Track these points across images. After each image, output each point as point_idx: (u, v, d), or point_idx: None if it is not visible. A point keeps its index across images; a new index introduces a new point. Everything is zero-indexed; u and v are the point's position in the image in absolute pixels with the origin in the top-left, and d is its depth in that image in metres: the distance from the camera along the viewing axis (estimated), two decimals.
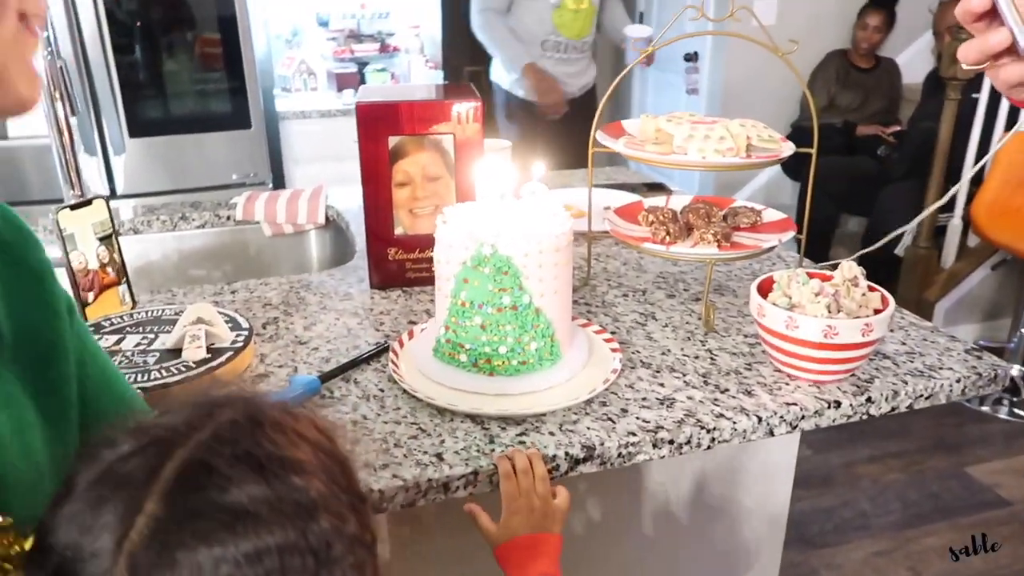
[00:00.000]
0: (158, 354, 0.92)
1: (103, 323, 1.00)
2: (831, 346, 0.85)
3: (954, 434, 2.55)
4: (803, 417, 0.87)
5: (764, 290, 0.93)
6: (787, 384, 0.91)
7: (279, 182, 2.84)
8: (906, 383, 0.91)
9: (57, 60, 1.14)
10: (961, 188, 2.73)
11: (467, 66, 3.78)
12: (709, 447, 0.84)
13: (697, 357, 0.97)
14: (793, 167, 3.30)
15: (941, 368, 0.94)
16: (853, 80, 3.32)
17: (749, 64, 3.36)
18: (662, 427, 0.83)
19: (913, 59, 3.51)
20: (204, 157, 2.51)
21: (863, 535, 2.12)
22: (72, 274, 1.01)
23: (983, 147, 2.69)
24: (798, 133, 3.33)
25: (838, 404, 0.88)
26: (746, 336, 1.02)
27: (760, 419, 0.85)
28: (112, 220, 1.07)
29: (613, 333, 1.01)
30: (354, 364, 0.94)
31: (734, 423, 0.84)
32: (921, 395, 0.90)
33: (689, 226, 1.08)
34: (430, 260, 1.16)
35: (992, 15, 0.57)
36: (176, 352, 0.92)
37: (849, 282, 0.89)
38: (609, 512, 1.17)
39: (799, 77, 1.07)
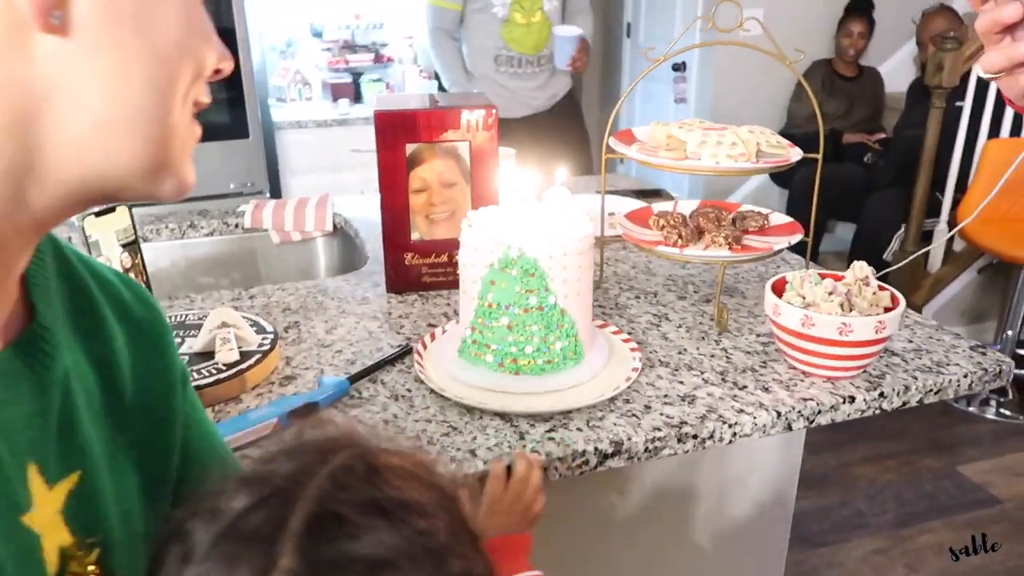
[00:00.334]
0: (187, 357, 0.93)
1: None
2: (846, 343, 0.88)
3: (945, 435, 2.60)
4: (819, 412, 0.90)
5: (777, 291, 0.96)
6: (802, 380, 0.94)
7: (276, 192, 2.85)
8: (915, 378, 0.94)
9: None
10: (948, 195, 2.79)
11: None
12: (731, 441, 0.87)
13: (713, 356, 1.00)
14: (781, 174, 3.35)
15: (948, 364, 0.97)
16: (838, 89, 3.38)
17: (737, 74, 3.42)
18: (685, 422, 0.85)
19: (895, 68, 3.59)
20: (203, 167, 2.50)
21: (861, 534, 2.15)
22: None
23: (967, 154, 2.76)
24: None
25: (852, 399, 0.91)
26: (758, 335, 1.05)
27: (779, 414, 0.88)
28: (134, 227, 1.09)
29: (629, 334, 1.04)
30: (380, 365, 0.96)
31: (754, 418, 0.87)
32: (931, 390, 0.94)
33: (700, 230, 1.12)
34: (445, 264, 1.19)
35: (1013, 28, 0.61)
36: (205, 355, 0.94)
37: (861, 281, 0.92)
38: (617, 513, 1.19)
39: (805, 84, 1.11)
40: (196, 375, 0.89)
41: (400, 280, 1.18)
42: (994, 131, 2.76)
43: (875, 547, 2.11)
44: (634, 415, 0.87)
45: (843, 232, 3.35)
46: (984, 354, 1.00)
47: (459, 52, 2.58)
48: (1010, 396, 2.72)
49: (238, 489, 0.41)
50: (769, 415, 0.88)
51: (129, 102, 0.40)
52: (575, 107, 2.80)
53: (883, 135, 3.34)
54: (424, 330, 1.07)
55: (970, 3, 0.64)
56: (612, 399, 0.89)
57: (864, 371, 0.95)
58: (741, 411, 0.88)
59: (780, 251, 1.06)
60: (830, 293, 0.91)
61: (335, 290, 1.22)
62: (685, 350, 1.01)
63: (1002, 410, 2.71)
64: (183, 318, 1.04)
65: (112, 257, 1.05)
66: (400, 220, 1.15)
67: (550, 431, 0.84)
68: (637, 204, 1.52)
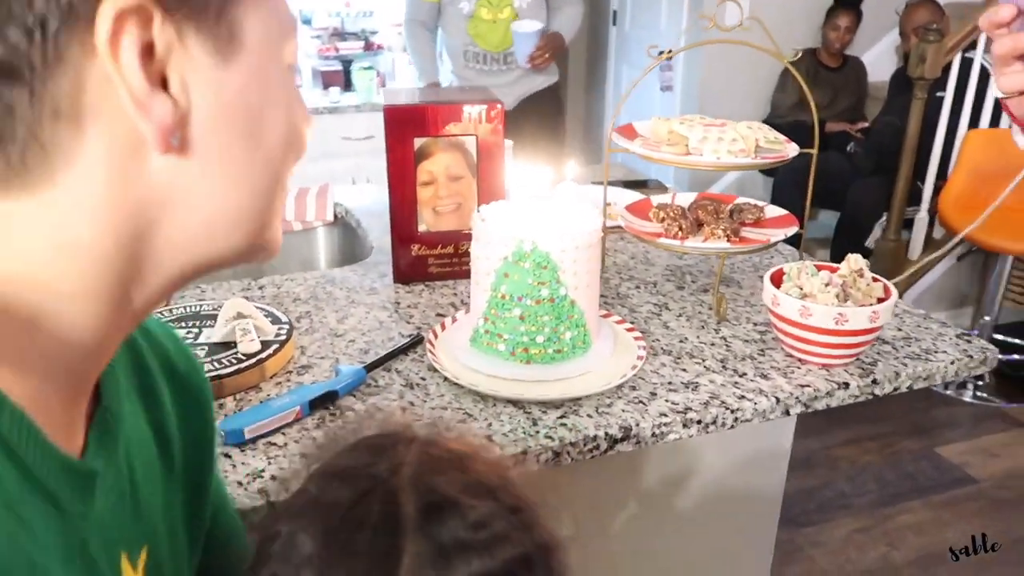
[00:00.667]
0: (207, 347, 0.96)
1: None
2: (841, 332, 0.93)
3: (924, 417, 2.68)
4: (816, 398, 0.94)
5: (775, 282, 1.00)
6: (799, 368, 0.98)
7: None
8: (905, 365, 0.99)
9: None
10: (928, 184, 2.86)
11: None
12: (732, 426, 0.91)
13: (713, 344, 1.04)
14: None
15: (936, 352, 1.02)
16: (822, 79, 3.43)
17: (723, 63, 3.46)
18: (690, 408, 0.90)
19: (878, 58, 3.65)
20: None
21: (844, 514, 2.23)
22: None
23: (948, 144, 2.82)
24: None
25: (847, 385, 0.95)
26: (755, 324, 1.10)
27: (778, 400, 0.92)
28: None
29: (632, 323, 1.08)
30: (395, 354, 0.99)
31: (755, 404, 0.91)
32: (920, 376, 0.99)
33: (699, 222, 1.16)
34: (451, 255, 1.22)
35: (1017, 19, 0.65)
36: (224, 345, 0.96)
37: (855, 273, 0.97)
38: (611, 495, 1.24)
39: (799, 77, 1.15)
40: (217, 364, 0.92)
41: (407, 271, 1.21)
42: (974, 121, 2.82)
43: (857, 526, 2.18)
44: (641, 402, 0.91)
45: (826, 219, 3.41)
46: (970, 342, 1.05)
47: (431, 44, 2.58)
48: (987, 380, 2.80)
49: (330, 484, 0.42)
50: (768, 401, 0.92)
51: (239, 206, 0.41)
52: (553, 103, 2.70)
53: (865, 124, 3.40)
54: (433, 319, 1.10)
55: (984, 28, 0.68)
56: (619, 386, 0.93)
57: (857, 358, 0.99)
58: (742, 397, 0.92)
59: (775, 243, 1.10)
60: (826, 284, 0.96)
61: (343, 280, 1.24)
62: (686, 339, 1.06)
63: (979, 393, 2.79)
64: (197, 308, 1.07)
65: None
66: (408, 212, 1.18)
67: (561, 417, 0.87)
68: (630, 194, 1.55)
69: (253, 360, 0.93)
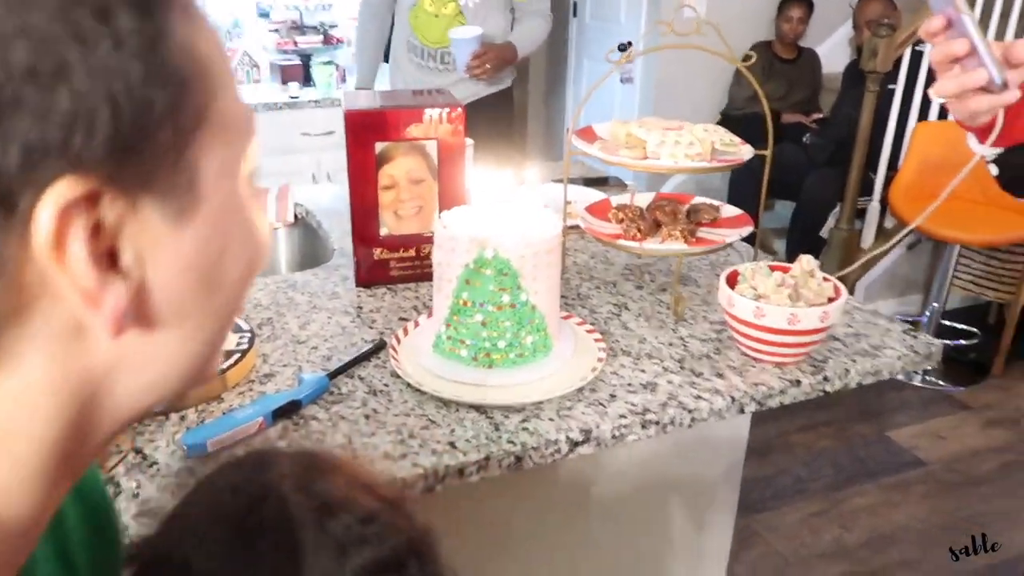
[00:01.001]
0: None
1: None
2: (794, 332, 0.96)
3: (875, 402, 2.76)
4: (769, 396, 0.97)
5: (730, 282, 1.03)
6: (753, 367, 1.01)
7: None
8: (855, 362, 1.03)
9: None
10: (880, 174, 2.93)
11: None
12: (690, 426, 0.94)
13: (671, 344, 1.07)
14: None
15: (883, 348, 1.06)
16: (777, 71, 3.49)
17: (682, 55, 3.49)
18: (648, 410, 0.92)
19: (832, 50, 3.72)
20: None
21: (799, 499, 2.29)
22: None
23: (899, 136, 2.90)
24: (727, 121, 3.49)
25: (798, 383, 0.99)
26: (712, 323, 1.12)
27: (733, 399, 0.95)
28: None
29: (592, 324, 1.10)
30: (357, 361, 1.00)
31: (711, 404, 0.94)
32: (869, 372, 1.02)
33: (657, 223, 1.18)
34: (413, 259, 1.23)
35: (949, 28, 0.68)
36: None
37: (807, 273, 1.00)
38: (572, 488, 1.26)
39: (754, 81, 1.17)
40: None
41: (369, 274, 1.22)
42: (923, 114, 2.90)
43: (812, 510, 2.25)
44: (601, 404, 0.93)
45: (782, 209, 3.48)
46: (916, 337, 1.09)
47: (375, 33, 2.44)
48: (935, 365, 2.89)
49: (217, 499, 0.43)
50: (724, 400, 0.95)
51: (191, 354, 0.38)
52: (504, 106, 2.47)
53: (820, 115, 3.47)
54: (396, 324, 1.11)
55: (923, 35, 0.71)
56: (580, 389, 0.95)
57: (809, 356, 1.03)
58: (699, 397, 0.95)
59: (730, 244, 1.13)
60: (779, 285, 0.98)
61: (304, 285, 1.24)
62: (645, 339, 1.08)
63: (928, 378, 2.88)
64: None
65: None
66: (369, 216, 1.18)
67: (523, 421, 0.89)
68: (590, 192, 1.57)
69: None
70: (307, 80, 3.04)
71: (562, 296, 1.20)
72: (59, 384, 0.33)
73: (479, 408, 0.91)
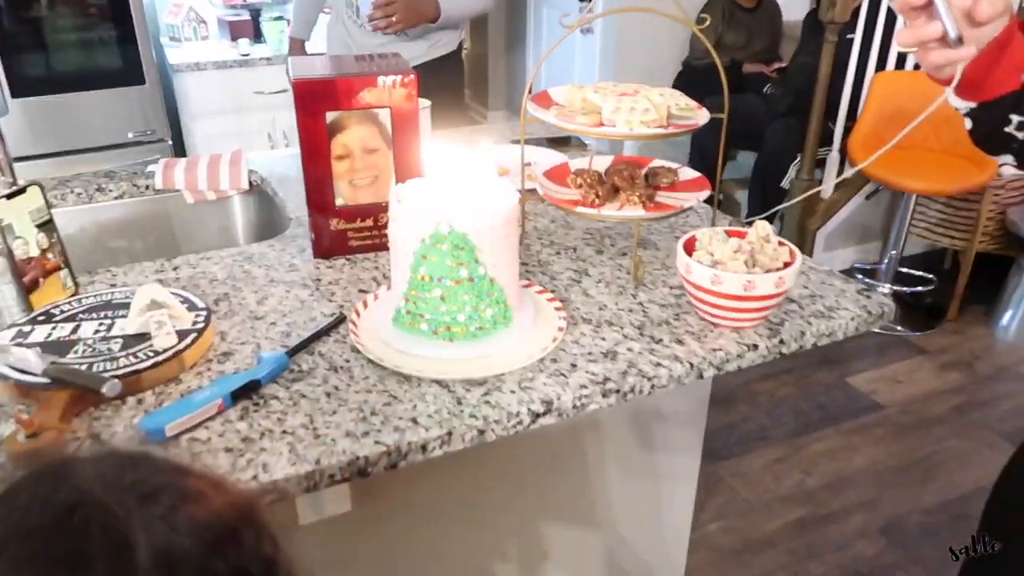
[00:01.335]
0: (121, 340, 0.94)
1: (52, 311, 1.00)
2: (750, 297, 0.97)
3: (835, 349, 2.83)
4: (727, 360, 0.99)
5: (688, 249, 1.03)
6: (712, 332, 1.02)
7: (178, 139, 2.74)
8: (811, 324, 1.05)
9: None
10: (839, 124, 2.94)
11: None
12: (650, 393, 0.95)
13: (631, 310, 1.07)
14: None
15: (838, 309, 1.08)
16: (737, 20, 3.46)
17: (642, 4, 3.44)
18: (609, 379, 0.93)
19: None
20: (97, 115, 2.40)
21: (762, 445, 2.35)
22: (15, 264, 1.00)
23: (857, 85, 2.90)
24: (688, 71, 3.47)
25: (755, 347, 1.00)
26: (671, 288, 1.13)
27: (692, 365, 0.96)
28: (48, 206, 1.06)
29: (553, 292, 1.10)
30: (317, 337, 0.99)
31: (670, 371, 0.95)
32: (823, 334, 1.04)
33: (615, 187, 1.17)
34: (371, 228, 1.21)
35: (926, 9, 0.68)
36: (139, 337, 0.94)
37: (762, 239, 1.01)
38: (537, 441, 1.28)
39: (709, 46, 1.16)
40: (133, 358, 0.90)
41: (327, 246, 1.20)
42: (881, 64, 2.91)
43: (775, 456, 2.32)
44: (562, 374, 0.93)
45: (744, 159, 3.49)
46: (869, 297, 1.11)
47: None
48: (889, 321, 2.96)
49: (25, 513, 0.42)
50: (683, 366, 0.96)
51: None
52: (447, 71, 2.23)
53: (781, 64, 3.46)
54: (355, 296, 1.10)
55: None
56: (541, 360, 0.95)
57: (766, 319, 1.04)
58: (658, 364, 0.96)
59: (688, 208, 1.13)
60: (736, 251, 0.99)
61: (260, 257, 1.22)
62: (605, 306, 1.08)
63: (886, 323, 2.95)
64: (109, 297, 1.03)
65: (28, 238, 1.03)
66: (324, 187, 1.16)
67: (485, 395, 0.90)
68: (550, 153, 1.56)
69: (171, 352, 0.92)
70: (257, 36, 2.95)
71: (522, 263, 1.20)
72: None
73: (441, 382, 0.91)
